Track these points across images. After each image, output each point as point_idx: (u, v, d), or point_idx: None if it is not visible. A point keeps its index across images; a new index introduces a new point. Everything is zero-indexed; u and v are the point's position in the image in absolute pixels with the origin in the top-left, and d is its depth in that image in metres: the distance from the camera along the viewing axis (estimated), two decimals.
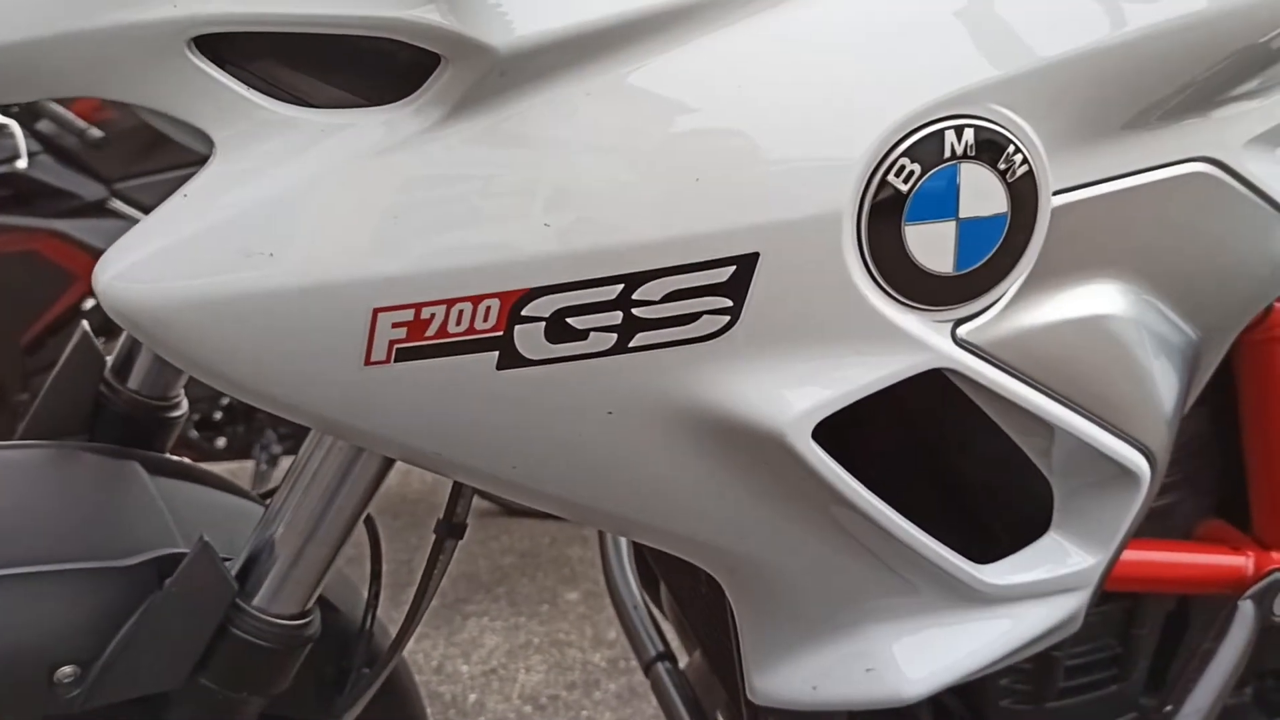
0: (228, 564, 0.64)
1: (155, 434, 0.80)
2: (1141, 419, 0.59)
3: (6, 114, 2.47)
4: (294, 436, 2.74)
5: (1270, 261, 0.65)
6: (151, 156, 2.61)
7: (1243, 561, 0.78)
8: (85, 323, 0.84)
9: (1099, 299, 0.57)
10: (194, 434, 2.66)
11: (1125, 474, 0.59)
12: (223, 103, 0.50)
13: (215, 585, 0.62)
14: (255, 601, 0.63)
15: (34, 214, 2.50)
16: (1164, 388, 0.60)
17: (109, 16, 0.48)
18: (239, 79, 0.50)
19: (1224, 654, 0.73)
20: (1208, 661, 0.72)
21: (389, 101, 0.50)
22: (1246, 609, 0.75)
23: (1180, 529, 0.81)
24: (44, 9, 0.48)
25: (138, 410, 0.79)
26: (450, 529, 0.67)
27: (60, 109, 2.44)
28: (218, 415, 2.69)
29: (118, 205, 2.57)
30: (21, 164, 2.42)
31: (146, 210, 2.47)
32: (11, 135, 2.45)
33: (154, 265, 0.50)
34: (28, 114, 2.47)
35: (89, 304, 2.56)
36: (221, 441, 2.71)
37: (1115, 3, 0.53)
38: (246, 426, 2.73)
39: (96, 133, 2.40)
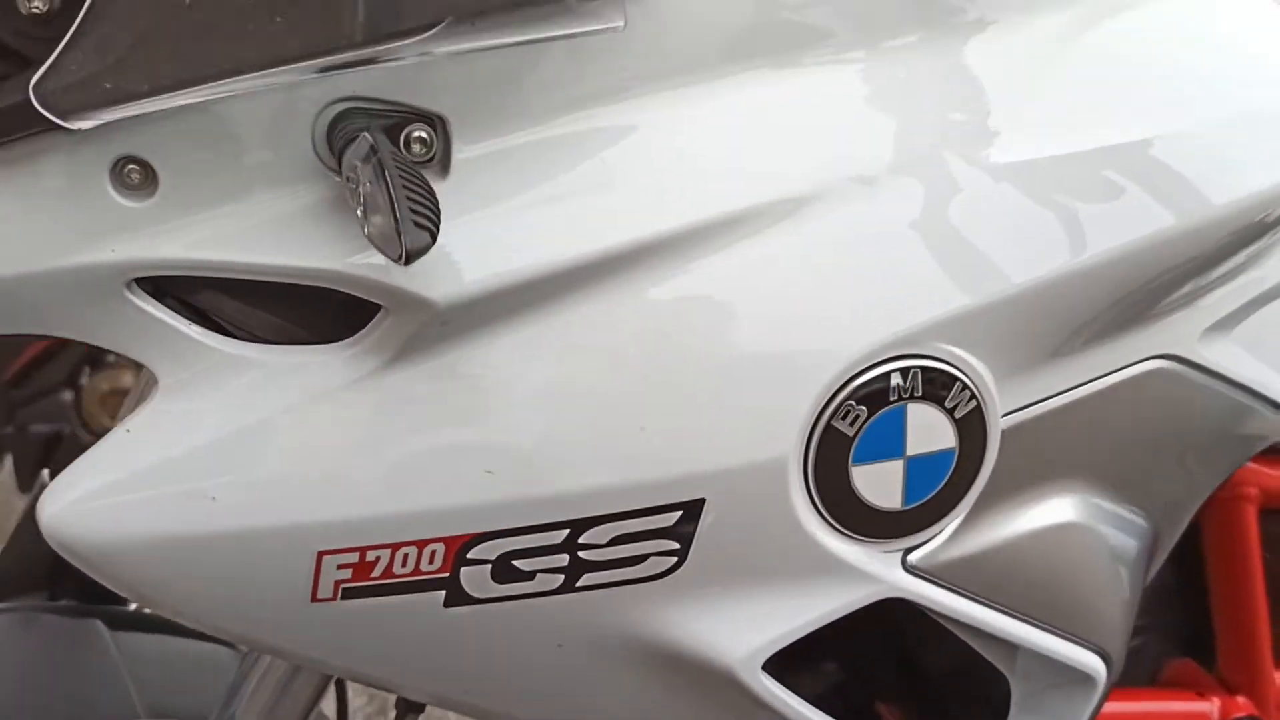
0: None
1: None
2: (1098, 623, 0.59)
3: None
4: None
5: (1235, 438, 0.65)
6: None
7: (1208, 708, 0.78)
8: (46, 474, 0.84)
9: (1051, 510, 0.56)
10: None
11: (1083, 677, 0.59)
12: (165, 340, 0.50)
13: None
14: None
15: None
16: (1120, 587, 0.60)
17: (48, 263, 0.47)
18: (179, 312, 0.50)
19: None
20: None
21: (332, 339, 0.49)
22: None
23: (1148, 669, 0.81)
24: None
25: None
26: (409, 705, 0.67)
27: None
28: None
29: None
30: None
31: None
32: None
33: (97, 502, 0.49)
34: None
35: None
36: None
37: (1072, 226, 0.52)
38: None
39: None
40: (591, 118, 0.48)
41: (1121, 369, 0.57)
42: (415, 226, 0.40)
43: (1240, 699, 0.79)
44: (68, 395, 2.62)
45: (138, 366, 2.17)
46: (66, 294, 0.48)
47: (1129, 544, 0.60)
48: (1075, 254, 0.52)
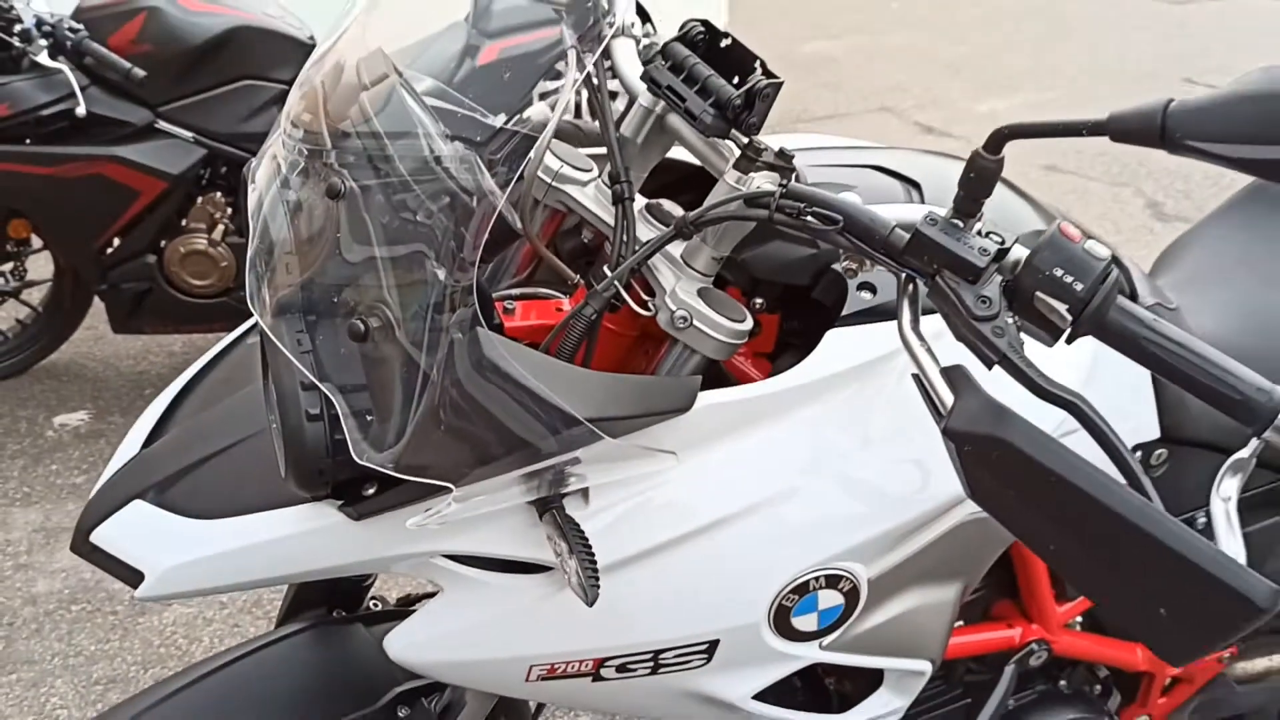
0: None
1: (359, 595, 1.33)
2: (931, 646, 1.11)
3: (54, 59, 2.76)
4: None
5: None
6: (188, 80, 2.91)
7: (1013, 633, 1.32)
8: None
9: (905, 602, 1.07)
10: None
11: (919, 674, 1.12)
12: (453, 576, 0.98)
13: None
14: None
15: (92, 142, 2.85)
16: (946, 622, 1.11)
17: (391, 551, 0.96)
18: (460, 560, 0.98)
19: (987, 706, 1.28)
20: (978, 709, 1.28)
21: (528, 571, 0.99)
22: (1009, 671, 1.30)
23: (983, 609, 1.35)
24: (342, 552, 0.95)
25: (348, 584, 1.31)
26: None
27: (103, 50, 2.73)
28: None
29: (164, 126, 2.90)
30: (80, 111, 2.74)
31: (189, 128, 2.85)
32: (66, 79, 2.75)
33: (426, 643, 1.00)
34: (74, 53, 2.76)
35: None
36: None
37: (920, 482, 1.00)
38: None
39: (140, 73, 2.70)
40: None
41: (945, 531, 1.06)
42: (592, 584, 0.88)
43: (1035, 626, 1.33)
44: (151, 258, 3.03)
45: (209, 231, 2.80)
46: (392, 565, 0.97)
47: (951, 596, 1.11)
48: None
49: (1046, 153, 5.30)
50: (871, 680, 1.16)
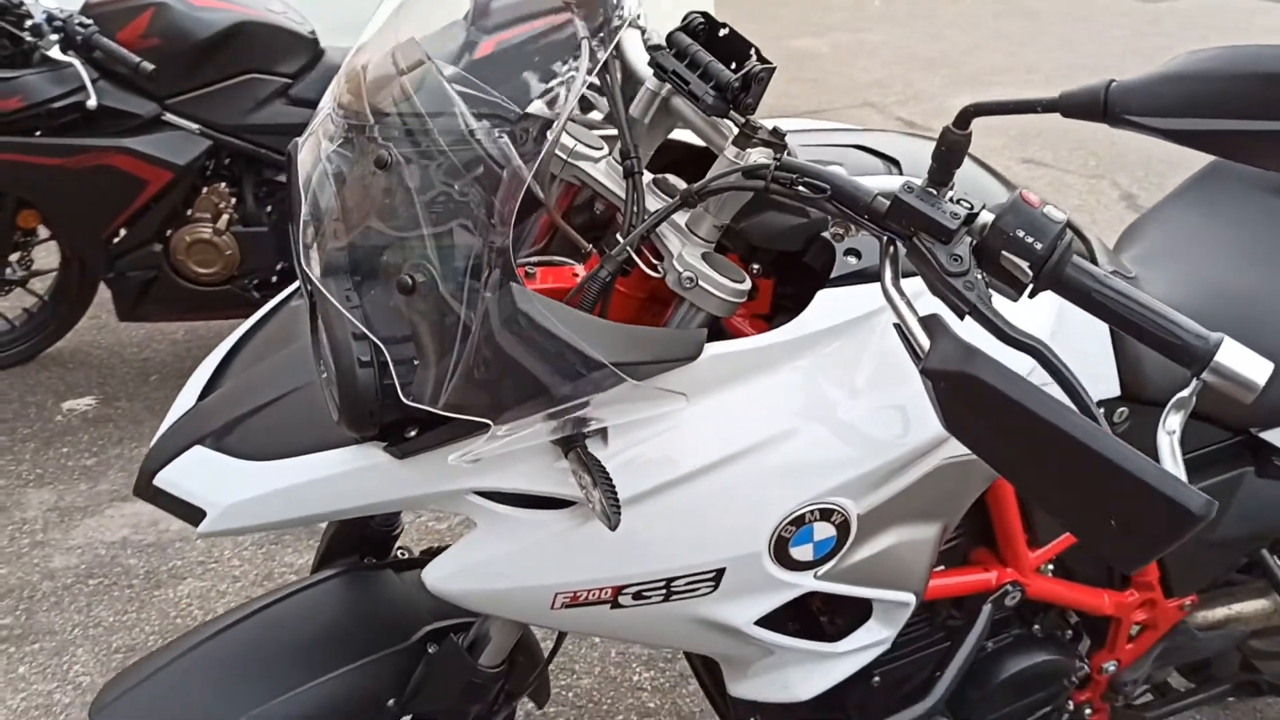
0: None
1: (388, 544, 1.43)
2: (915, 580, 1.22)
3: (64, 54, 2.85)
4: None
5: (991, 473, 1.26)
6: (194, 75, 3.01)
7: (989, 576, 1.44)
8: None
9: (891, 538, 1.18)
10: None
11: (904, 605, 1.24)
12: (485, 512, 1.09)
13: (458, 659, 1.28)
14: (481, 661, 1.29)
15: (101, 133, 2.94)
16: (927, 558, 1.22)
17: (429, 489, 1.06)
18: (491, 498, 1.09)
19: (966, 642, 1.40)
20: (957, 648, 1.40)
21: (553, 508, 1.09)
22: (986, 610, 1.42)
23: (962, 555, 1.46)
24: (385, 489, 1.06)
25: (378, 534, 1.42)
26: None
27: (113, 44, 2.82)
28: None
29: (170, 118, 3.00)
30: (91, 103, 2.84)
31: (195, 120, 2.98)
32: (76, 72, 2.84)
33: (460, 573, 1.11)
34: (84, 48, 2.85)
35: None
36: None
37: (896, 425, 1.11)
38: None
39: (148, 66, 2.79)
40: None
41: (926, 473, 1.17)
42: (615, 512, 0.99)
43: (1009, 569, 1.45)
44: (157, 247, 3.12)
45: (214, 221, 2.94)
46: (424, 502, 1.08)
47: (932, 534, 1.23)
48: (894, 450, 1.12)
49: (1024, 146, 5.45)
50: (860, 615, 1.27)
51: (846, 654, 1.27)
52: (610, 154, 1.17)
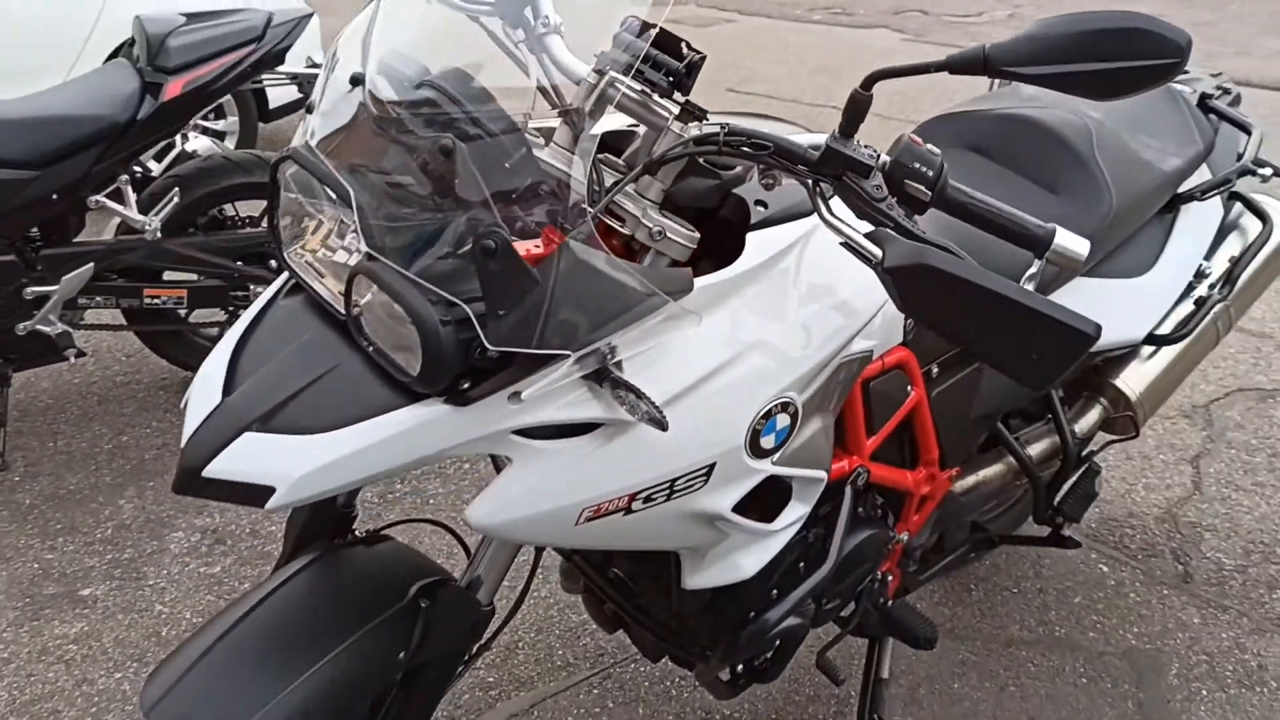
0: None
1: (349, 526, 1.54)
2: (827, 463, 1.54)
3: None
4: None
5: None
6: None
7: (844, 464, 1.78)
8: None
9: (813, 425, 1.49)
10: None
11: (818, 481, 1.55)
12: (522, 447, 1.27)
13: (463, 601, 1.43)
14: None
15: None
16: (828, 434, 1.54)
17: (480, 432, 1.23)
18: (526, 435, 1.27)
19: (841, 517, 1.74)
20: (834, 523, 1.73)
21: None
22: (849, 491, 1.76)
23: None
24: (442, 438, 1.22)
25: (340, 517, 1.53)
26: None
27: None
28: None
29: None
30: None
31: None
32: None
33: (500, 508, 1.27)
34: None
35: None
36: None
37: (824, 329, 1.42)
38: None
39: None
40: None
41: (834, 369, 1.48)
42: (661, 414, 1.21)
43: (856, 458, 1.80)
44: None
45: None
46: (482, 445, 1.24)
47: (831, 421, 1.54)
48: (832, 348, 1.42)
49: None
50: (780, 500, 1.57)
51: (779, 530, 1.56)
52: (550, 142, 1.38)
